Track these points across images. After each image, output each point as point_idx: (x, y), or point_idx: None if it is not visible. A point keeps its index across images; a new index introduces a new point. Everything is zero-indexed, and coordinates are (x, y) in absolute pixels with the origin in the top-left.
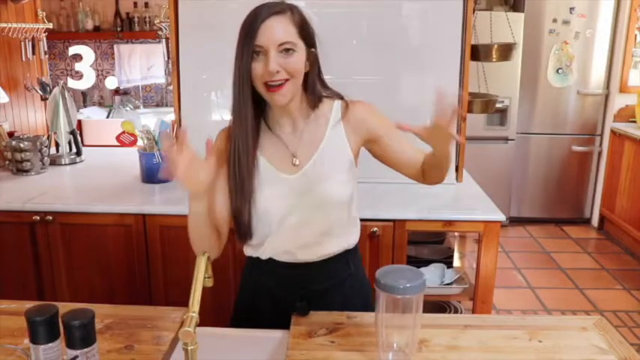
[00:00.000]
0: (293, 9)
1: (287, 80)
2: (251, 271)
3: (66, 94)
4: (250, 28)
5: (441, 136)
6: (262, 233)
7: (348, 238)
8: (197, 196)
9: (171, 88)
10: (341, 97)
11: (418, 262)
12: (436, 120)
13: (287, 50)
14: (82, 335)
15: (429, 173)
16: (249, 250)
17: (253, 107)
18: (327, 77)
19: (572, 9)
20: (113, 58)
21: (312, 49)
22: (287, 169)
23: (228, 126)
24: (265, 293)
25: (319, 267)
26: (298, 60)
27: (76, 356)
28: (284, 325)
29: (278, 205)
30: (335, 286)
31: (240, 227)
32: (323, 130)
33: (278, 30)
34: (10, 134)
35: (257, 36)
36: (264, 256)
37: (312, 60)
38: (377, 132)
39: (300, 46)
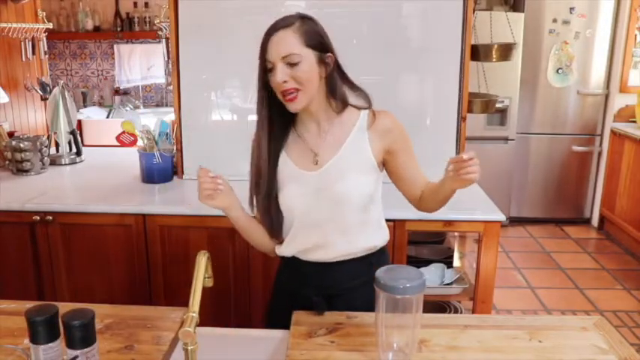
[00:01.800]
0: (304, 19)
1: (298, 90)
2: (279, 271)
3: (66, 94)
4: (262, 44)
5: (460, 180)
6: (286, 231)
7: (368, 240)
8: (224, 211)
9: (171, 88)
10: (368, 106)
11: (418, 262)
12: (454, 174)
13: (292, 62)
14: (82, 335)
15: (428, 199)
16: (276, 249)
17: (282, 113)
18: None
19: (572, 9)
20: (113, 58)
21: (328, 54)
22: (308, 167)
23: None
24: (290, 293)
25: (341, 267)
26: (305, 69)
27: (76, 356)
28: None
29: (299, 203)
30: (357, 286)
31: (270, 225)
32: (347, 133)
33: (280, 44)
34: (10, 134)
35: (267, 52)
36: (288, 254)
37: (328, 64)
38: (397, 145)
39: (307, 55)
